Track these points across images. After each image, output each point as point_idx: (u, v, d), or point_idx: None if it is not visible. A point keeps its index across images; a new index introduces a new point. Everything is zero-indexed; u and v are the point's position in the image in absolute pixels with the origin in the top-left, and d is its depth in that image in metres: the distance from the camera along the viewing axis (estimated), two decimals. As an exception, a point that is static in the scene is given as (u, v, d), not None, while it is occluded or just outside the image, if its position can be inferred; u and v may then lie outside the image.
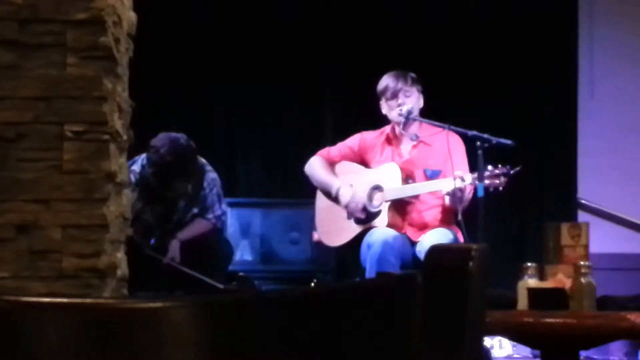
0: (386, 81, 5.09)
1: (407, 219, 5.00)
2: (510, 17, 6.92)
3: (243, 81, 6.77)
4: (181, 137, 5.03)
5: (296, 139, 6.75)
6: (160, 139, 4.99)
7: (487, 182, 4.67)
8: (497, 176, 4.67)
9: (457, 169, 4.78)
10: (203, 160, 5.24)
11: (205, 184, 5.19)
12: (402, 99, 5.02)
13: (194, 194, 5.18)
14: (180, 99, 6.60)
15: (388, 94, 5.05)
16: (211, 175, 5.21)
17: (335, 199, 5.12)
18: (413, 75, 5.10)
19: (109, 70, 3.17)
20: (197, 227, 5.16)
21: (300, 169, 5.34)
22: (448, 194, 4.75)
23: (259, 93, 6.78)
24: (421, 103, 5.08)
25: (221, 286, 4.96)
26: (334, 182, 5.13)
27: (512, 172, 4.66)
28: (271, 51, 6.79)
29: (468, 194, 4.83)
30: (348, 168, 5.22)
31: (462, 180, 4.70)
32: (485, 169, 4.67)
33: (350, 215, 5.10)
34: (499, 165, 4.69)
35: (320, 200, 5.25)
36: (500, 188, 4.67)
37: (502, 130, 4.87)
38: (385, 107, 5.10)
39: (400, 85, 5.03)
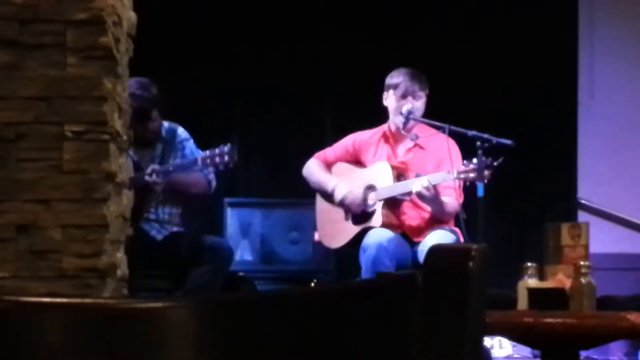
0: (400, 78, 5.05)
1: (402, 219, 4.99)
2: (510, 17, 6.92)
3: (243, 81, 6.77)
4: (141, 77, 5.13)
5: (296, 139, 6.74)
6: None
7: (472, 175, 4.63)
8: (481, 169, 4.62)
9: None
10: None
11: (179, 131, 5.26)
12: (412, 102, 5.02)
13: (169, 138, 5.22)
14: (180, 99, 6.60)
15: (399, 93, 5.03)
16: (182, 129, 5.29)
17: (331, 196, 5.13)
18: (425, 77, 5.09)
19: (109, 70, 3.17)
20: (190, 176, 5.16)
21: (300, 169, 5.35)
22: (417, 195, 4.73)
23: (259, 93, 6.78)
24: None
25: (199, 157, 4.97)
26: (330, 181, 5.15)
27: (495, 163, 4.62)
28: (271, 51, 6.79)
29: (448, 198, 4.82)
30: (344, 169, 5.22)
31: (429, 181, 4.69)
32: (470, 163, 4.65)
33: (347, 211, 5.09)
34: (482, 158, 4.64)
35: (320, 202, 5.27)
36: (486, 181, 4.64)
37: (502, 130, 4.87)
38: (391, 102, 5.08)
39: (415, 88, 5.02)
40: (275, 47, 6.80)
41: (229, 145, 4.96)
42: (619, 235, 6.80)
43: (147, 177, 4.95)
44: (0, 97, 3.13)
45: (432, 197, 4.71)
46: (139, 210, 4.80)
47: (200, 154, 5.09)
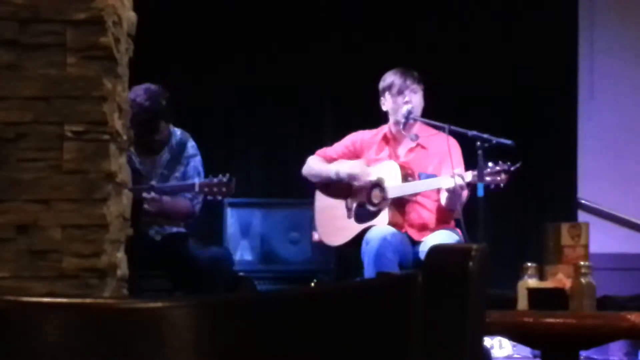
0: (392, 77, 5.09)
1: (407, 219, 5.00)
2: (510, 17, 6.92)
3: (243, 81, 6.77)
4: (151, 85, 5.08)
5: (296, 139, 6.75)
6: (134, 91, 5.03)
7: (488, 179, 4.68)
8: (498, 173, 4.69)
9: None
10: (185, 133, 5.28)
11: (189, 145, 5.21)
12: (409, 96, 5.04)
13: (178, 150, 5.19)
14: (180, 99, 6.60)
15: (394, 90, 5.06)
16: (193, 143, 5.24)
17: (335, 182, 5.12)
18: (415, 72, 5.13)
19: (109, 70, 3.17)
20: (179, 203, 5.12)
21: (300, 169, 5.34)
22: (448, 190, 4.76)
23: (259, 93, 6.78)
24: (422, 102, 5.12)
25: (196, 186, 4.94)
26: (332, 167, 5.16)
27: (512, 168, 4.68)
28: (271, 51, 6.79)
29: (465, 195, 4.85)
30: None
31: (462, 178, 4.72)
32: (486, 166, 4.69)
33: (354, 188, 5.07)
34: (500, 162, 4.71)
35: (320, 199, 5.26)
36: (502, 185, 4.69)
37: (502, 130, 4.88)
38: (389, 103, 5.10)
39: (408, 82, 5.05)
40: (275, 47, 6.80)
41: (227, 176, 4.94)
42: (619, 235, 6.80)
43: (146, 195, 4.90)
44: (0, 97, 3.13)
45: (459, 194, 4.76)
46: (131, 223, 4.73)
47: (198, 181, 5.01)
